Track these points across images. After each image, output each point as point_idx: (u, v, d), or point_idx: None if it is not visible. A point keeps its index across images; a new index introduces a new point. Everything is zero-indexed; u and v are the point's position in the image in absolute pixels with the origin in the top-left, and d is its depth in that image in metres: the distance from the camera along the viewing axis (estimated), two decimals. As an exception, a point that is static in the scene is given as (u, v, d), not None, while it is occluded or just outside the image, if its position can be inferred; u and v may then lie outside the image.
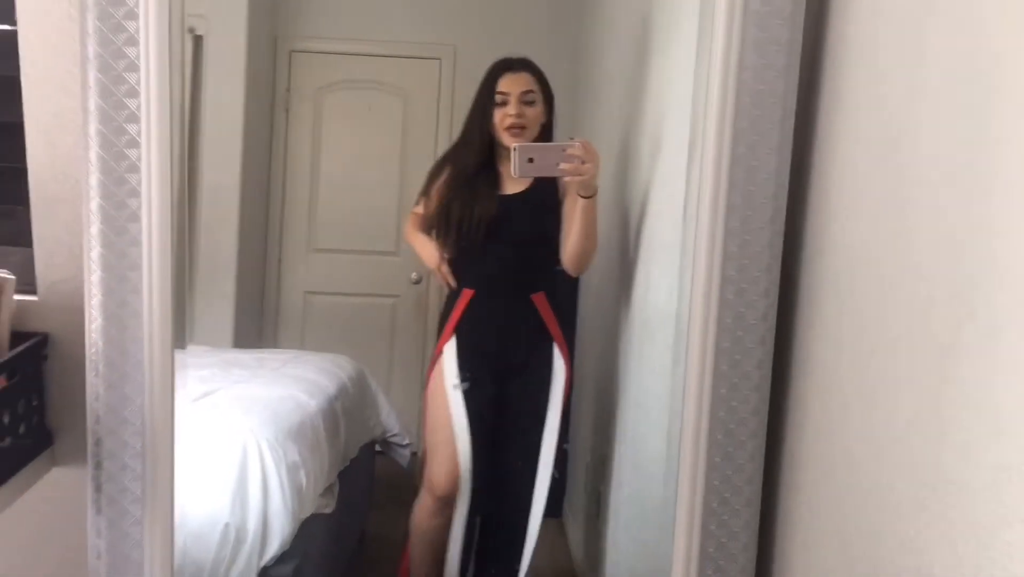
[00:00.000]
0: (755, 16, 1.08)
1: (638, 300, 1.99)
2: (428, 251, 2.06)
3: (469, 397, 2.01)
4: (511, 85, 1.97)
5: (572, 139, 1.78)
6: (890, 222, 0.92)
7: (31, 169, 1.24)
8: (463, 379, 2.02)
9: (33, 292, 1.28)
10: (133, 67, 1.10)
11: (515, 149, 1.70)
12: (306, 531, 1.87)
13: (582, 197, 1.85)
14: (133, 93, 1.11)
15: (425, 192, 2.07)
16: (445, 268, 2.05)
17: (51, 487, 1.30)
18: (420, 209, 2.10)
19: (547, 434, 2.01)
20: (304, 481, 1.88)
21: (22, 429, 1.22)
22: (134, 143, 1.11)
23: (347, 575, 2.29)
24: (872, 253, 0.95)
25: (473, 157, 2.00)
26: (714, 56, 1.10)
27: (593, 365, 2.48)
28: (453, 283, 2.04)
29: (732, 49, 1.09)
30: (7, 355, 1.20)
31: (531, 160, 1.73)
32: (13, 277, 1.22)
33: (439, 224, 2.03)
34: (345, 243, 2.76)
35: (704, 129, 1.12)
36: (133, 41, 1.10)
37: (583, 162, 1.75)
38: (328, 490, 2.09)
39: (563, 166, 1.74)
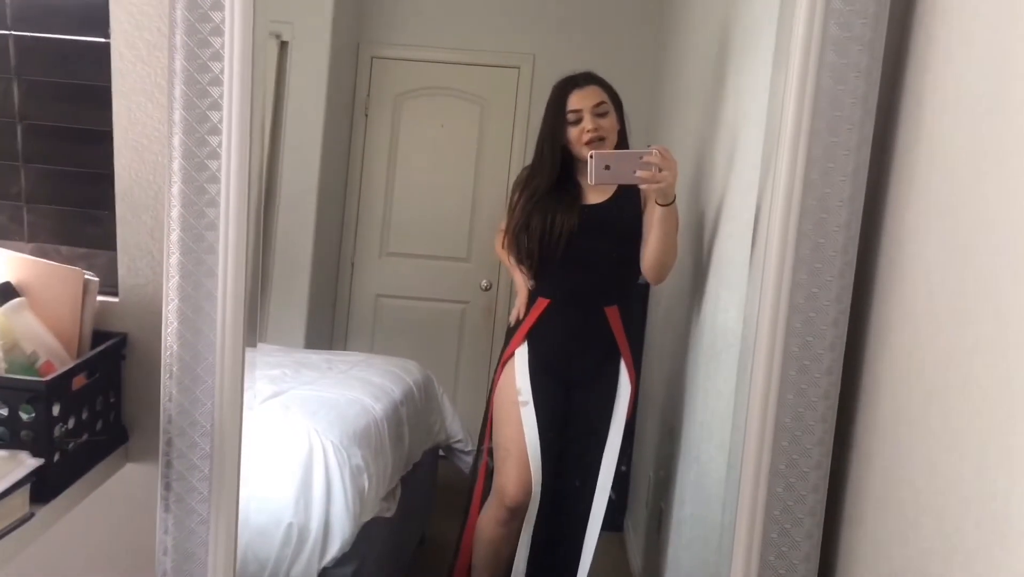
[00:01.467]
0: (836, 14, 1.06)
1: (707, 319, 1.97)
2: (520, 297, 2.06)
3: (540, 406, 2.02)
4: (582, 101, 1.97)
5: (649, 146, 1.76)
6: (969, 252, 0.89)
7: (117, 176, 1.29)
8: (534, 387, 2.02)
9: (115, 294, 1.33)
10: (217, 81, 1.14)
11: (591, 156, 1.70)
12: (367, 534, 1.89)
13: (660, 205, 1.84)
14: (216, 106, 1.14)
15: (511, 208, 2.07)
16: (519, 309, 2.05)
17: (124, 482, 1.35)
18: (504, 227, 2.12)
19: (607, 453, 2.00)
20: (367, 485, 1.91)
21: (99, 425, 1.27)
22: (215, 155, 1.15)
23: (408, 578, 2.32)
24: (948, 287, 0.93)
25: (549, 176, 2.00)
26: (790, 80, 1.08)
27: (660, 381, 2.45)
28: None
29: (809, 74, 1.07)
30: (89, 353, 1.25)
31: (607, 168, 1.72)
32: (97, 279, 1.27)
33: (519, 238, 2.03)
34: (417, 248, 2.78)
35: (778, 152, 1.10)
36: (218, 56, 1.13)
37: (660, 169, 1.74)
38: (390, 494, 2.11)
39: (640, 173, 1.73)
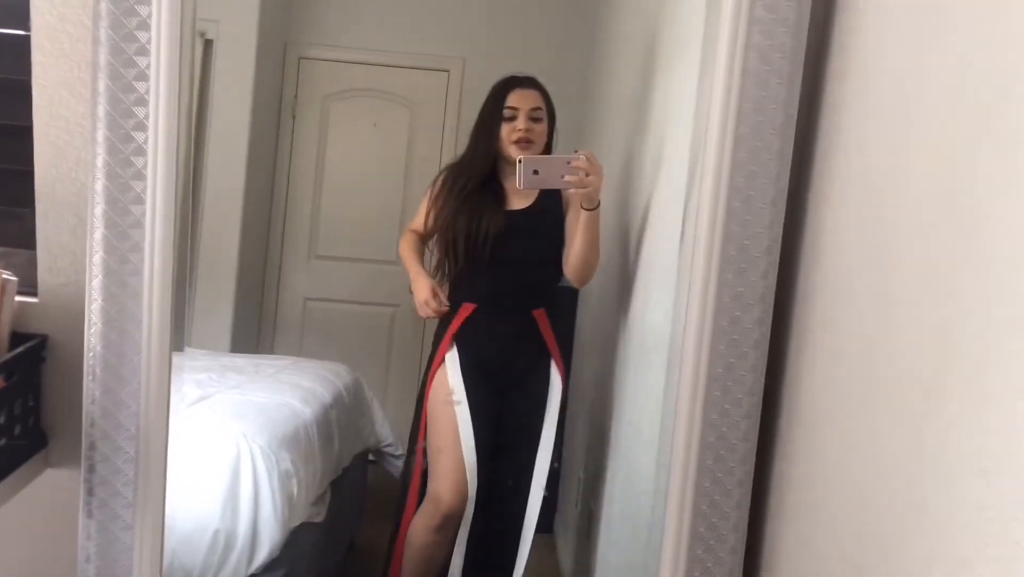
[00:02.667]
0: (759, 23, 1.09)
1: (636, 319, 2.00)
2: (421, 292, 2.03)
3: (473, 407, 2.02)
4: (521, 101, 1.99)
5: (576, 152, 1.79)
6: (880, 250, 0.93)
7: (38, 173, 1.25)
8: (467, 388, 2.03)
9: (34, 294, 1.29)
10: (143, 76, 1.12)
11: (520, 161, 1.71)
12: (296, 540, 1.87)
13: (585, 209, 1.86)
14: (142, 102, 1.12)
15: (433, 200, 2.06)
16: (438, 299, 2.02)
17: (44, 489, 1.31)
18: (418, 227, 2.11)
19: (541, 451, 2.01)
20: (296, 490, 1.89)
21: (17, 430, 1.23)
22: (140, 151, 1.13)
23: (337, 583, 2.29)
24: (862, 284, 0.96)
25: (477, 172, 2.02)
26: (715, 85, 1.11)
27: (589, 382, 2.48)
28: (444, 309, 2.03)
29: (733, 81, 1.10)
30: (6, 356, 1.21)
31: (536, 172, 1.74)
32: (15, 278, 1.23)
33: (442, 240, 2.03)
34: (346, 251, 2.77)
35: (704, 155, 1.13)
36: (144, 51, 1.11)
37: (587, 174, 1.76)
38: (320, 499, 2.09)
39: (567, 178, 1.75)
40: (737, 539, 1.17)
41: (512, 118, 1.98)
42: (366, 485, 2.59)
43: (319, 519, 2.06)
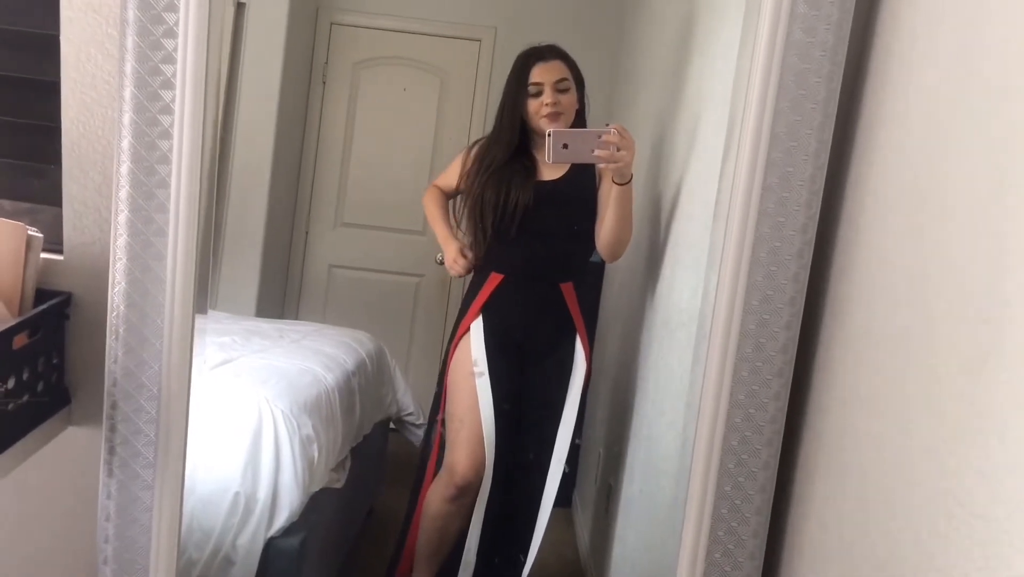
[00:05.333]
0: (800, 19, 1.06)
1: (661, 298, 1.98)
2: (451, 251, 2.04)
3: (495, 379, 2.01)
4: (544, 74, 1.95)
5: (608, 125, 1.75)
6: (921, 239, 0.90)
7: (64, 129, 1.24)
8: (490, 360, 2.01)
9: (59, 252, 1.29)
10: (171, 33, 1.10)
11: (550, 135, 1.68)
12: (315, 505, 1.88)
13: (617, 184, 1.83)
14: (170, 59, 1.11)
15: (464, 175, 2.05)
16: (462, 263, 2.02)
17: (66, 446, 1.31)
18: (445, 185, 2.10)
19: (563, 426, 2.00)
20: (316, 455, 1.89)
21: (40, 387, 1.23)
22: (167, 109, 1.11)
23: (353, 550, 2.30)
24: (901, 270, 0.93)
25: (506, 147, 1.99)
26: (756, 59, 1.08)
27: (612, 359, 2.46)
28: (472, 267, 2.02)
29: (775, 52, 1.07)
30: (30, 312, 1.21)
31: (566, 146, 1.70)
32: (41, 235, 1.22)
33: (472, 212, 2.01)
34: (372, 219, 2.75)
35: (741, 132, 1.10)
36: (173, 7, 1.10)
37: (618, 149, 1.73)
38: (340, 465, 2.10)
39: (598, 152, 1.72)
40: (760, 522, 1.15)
41: (538, 94, 1.95)
42: (386, 453, 2.59)
43: (339, 485, 2.06)
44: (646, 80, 2.59)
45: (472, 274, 2.06)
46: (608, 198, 1.88)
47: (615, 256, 1.97)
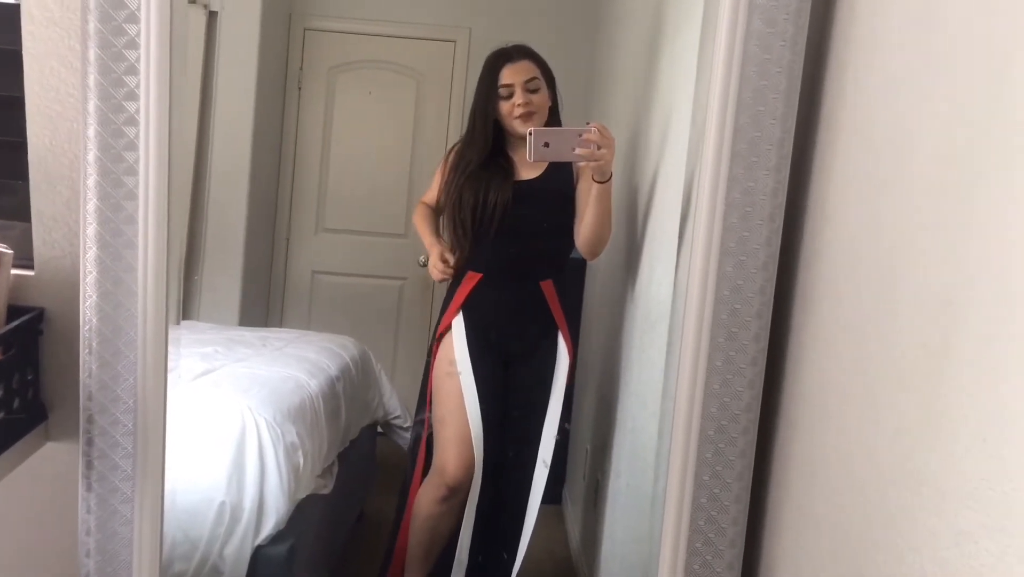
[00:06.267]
0: (760, 9, 1.07)
1: (642, 292, 1.99)
2: (433, 255, 2.05)
3: (479, 378, 2.01)
4: (514, 75, 1.96)
5: (588, 123, 1.76)
6: (886, 226, 0.91)
7: (31, 144, 1.24)
8: (473, 359, 2.02)
9: (30, 267, 1.29)
10: (133, 44, 1.10)
11: (530, 133, 1.68)
12: (303, 511, 1.88)
13: (597, 182, 1.83)
14: (133, 71, 1.10)
15: (443, 183, 2.06)
16: (441, 268, 2.03)
17: (44, 461, 1.31)
18: (430, 200, 2.10)
19: (547, 423, 2.00)
20: (302, 461, 1.89)
21: (16, 403, 1.23)
22: (132, 121, 1.11)
23: (344, 555, 2.30)
24: (867, 256, 0.94)
25: (481, 149, 1.99)
26: (717, 49, 1.08)
27: (597, 354, 2.48)
28: (451, 272, 2.03)
29: (736, 41, 1.07)
30: (3, 329, 1.20)
31: (547, 144, 1.71)
32: (11, 251, 1.22)
33: (451, 215, 2.02)
34: (354, 224, 2.76)
35: (706, 123, 1.10)
36: (134, 18, 1.09)
37: (598, 147, 1.73)
38: (327, 471, 2.10)
39: (578, 151, 1.72)
40: (739, 509, 1.16)
41: (509, 95, 1.95)
42: (374, 457, 2.59)
43: (326, 491, 2.06)
44: (621, 77, 2.60)
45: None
46: (587, 196, 1.89)
47: (595, 253, 1.98)
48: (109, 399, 1.15)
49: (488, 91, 1.97)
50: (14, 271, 1.24)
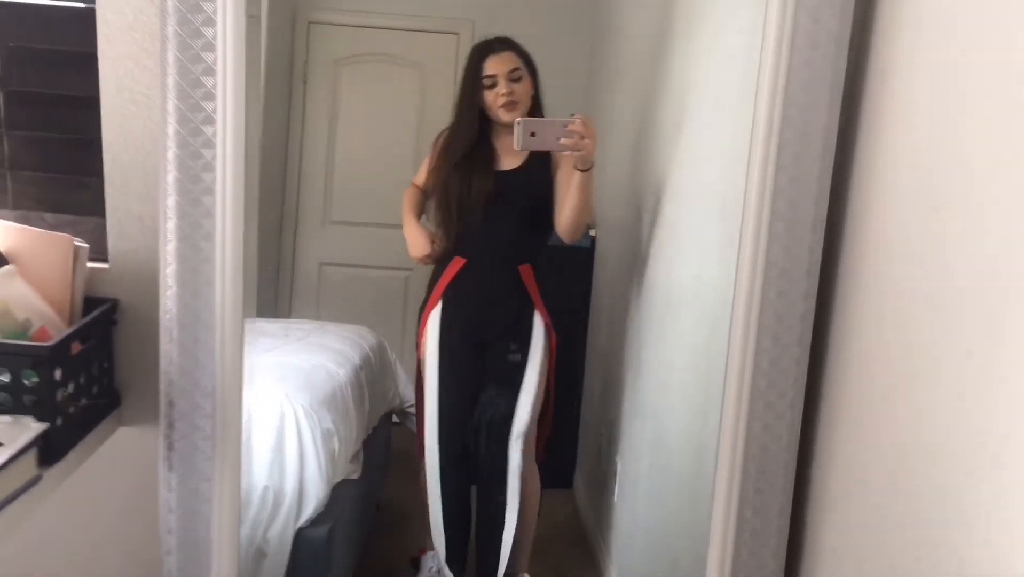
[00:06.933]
0: (806, 7, 1.14)
1: (660, 279, 2.05)
2: (419, 241, 2.13)
3: (449, 368, 2.12)
4: (497, 66, 2.03)
5: (573, 115, 1.83)
6: (929, 223, 0.98)
7: (106, 142, 1.29)
8: (454, 342, 2.12)
9: (104, 260, 1.34)
10: (210, 47, 1.15)
11: (518, 123, 1.76)
12: (337, 495, 1.94)
13: (580, 171, 1.92)
14: (210, 72, 1.16)
15: (429, 169, 2.16)
16: (428, 250, 2.12)
17: (118, 446, 1.36)
18: (420, 182, 2.19)
19: (523, 393, 2.10)
20: (337, 447, 1.95)
21: (95, 390, 1.28)
22: (210, 120, 1.17)
23: (369, 541, 2.37)
24: (910, 253, 1.01)
25: (467, 138, 2.07)
26: (766, 47, 1.15)
27: (607, 340, 2.54)
28: (437, 252, 2.12)
29: (784, 39, 1.14)
30: (82, 320, 1.25)
31: (533, 134, 1.79)
32: (87, 245, 1.27)
33: (439, 202, 2.11)
34: (360, 216, 2.79)
35: (755, 122, 1.17)
36: (211, 22, 1.15)
37: (582, 137, 1.81)
38: (355, 456, 2.15)
39: (563, 141, 1.80)
40: (787, 480, 1.23)
41: (493, 85, 2.03)
42: (391, 446, 2.64)
43: (356, 476, 2.12)
44: (625, 66, 2.65)
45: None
46: (567, 184, 1.98)
47: (574, 238, 2.06)
48: (189, 384, 1.20)
49: (473, 82, 2.05)
50: (88, 264, 1.29)
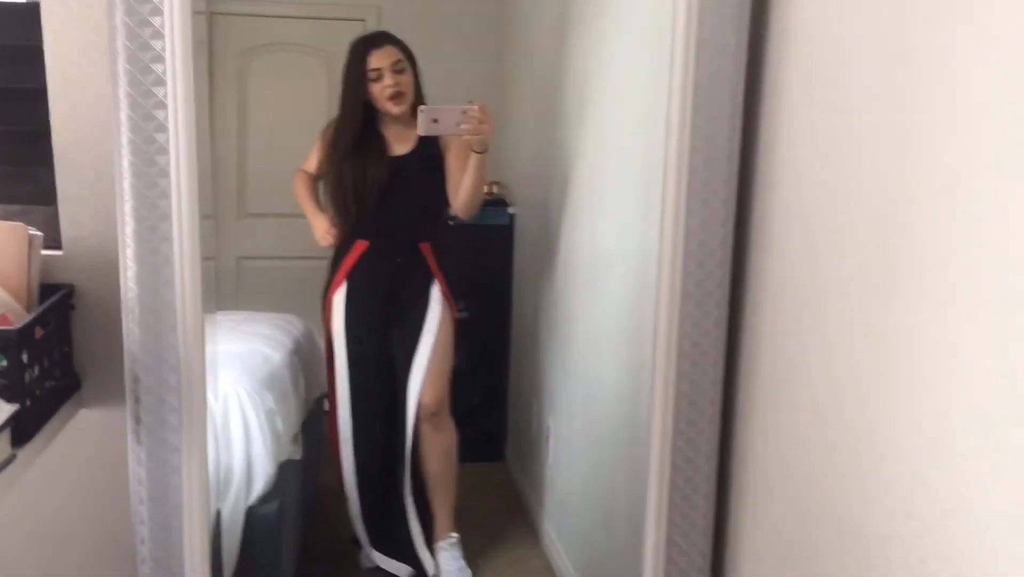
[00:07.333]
0: None
1: (584, 246, 2.15)
2: (323, 227, 2.22)
3: (364, 339, 2.22)
4: (381, 60, 2.11)
5: (471, 102, 1.94)
6: (832, 184, 1.11)
7: (55, 133, 1.32)
8: (360, 319, 2.22)
9: (57, 247, 1.37)
10: (158, 35, 1.20)
11: (421, 110, 1.90)
12: (283, 475, 1.99)
13: (476, 152, 2.06)
14: (159, 59, 1.21)
15: (320, 164, 2.24)
16: (333, 233, 2.21)
17: (80, 427, 1.40)
18: (310, 168, 2.27)
19: (417, 362, 2.21)
20: (280, 426, 2.00)
21: (57, 373, 1.32)
22: (161, 105, 1.21)
23: (311, 522, 2.42)
24: (820, 199, 1.15)
25: (354, 130, 2.15)
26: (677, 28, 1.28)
27: (534, 311, 2.63)
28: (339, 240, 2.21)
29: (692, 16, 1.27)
30: (41, 307, 1.28)
31: (435, 120, 1.92)
32: (41, 233, 1.30)
33: (334, 190, 2.19)
34: (275, 207, 2.79)
35: (668, 114, 1.30)
36: (158, 11, 1.20)
37: (481, 122, 1.93)
38: (295, 437, 2.21)
39: (464, 126, 1.94)
40: (712, 431, 1.38)
41: (378, 78, 2.11)
42: (324, 429, 2.68)
43: (298, 456, 2.18)
44: (531, 47, 2.75)
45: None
46: (462, 165, 2.11)
47: (471, 213, 2.19)
48: (153, 359, 1.25)
49: (357, 76, 2.13)
50: (42, 252, 1.32)
